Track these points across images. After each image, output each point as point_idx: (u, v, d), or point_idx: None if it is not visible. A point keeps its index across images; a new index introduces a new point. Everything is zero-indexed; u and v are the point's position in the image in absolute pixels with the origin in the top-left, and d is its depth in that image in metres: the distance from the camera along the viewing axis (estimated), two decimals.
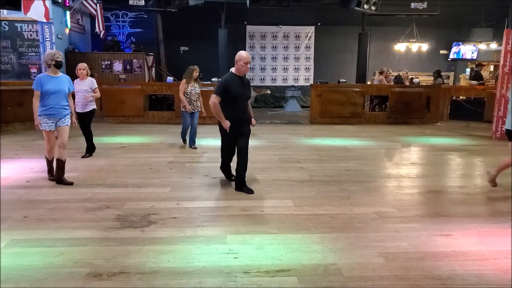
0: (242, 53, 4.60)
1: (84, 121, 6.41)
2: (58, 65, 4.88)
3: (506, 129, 4.98)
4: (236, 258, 3.01)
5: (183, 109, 7.25)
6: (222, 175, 5.41)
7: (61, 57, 4.92)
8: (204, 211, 4.06)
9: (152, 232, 3.48)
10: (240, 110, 4.66)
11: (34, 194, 4.51)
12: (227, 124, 4.54)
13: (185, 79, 7.23)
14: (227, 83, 4.55)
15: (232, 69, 4.73)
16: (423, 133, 9.83)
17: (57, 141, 4.95)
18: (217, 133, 8.20)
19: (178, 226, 3.63)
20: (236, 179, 4.81)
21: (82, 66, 6.38)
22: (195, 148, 7.41)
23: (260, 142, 6.76)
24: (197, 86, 7.34)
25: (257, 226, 3.65)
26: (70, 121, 5.05)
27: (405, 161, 6.74)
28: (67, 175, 5.05)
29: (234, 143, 4.75)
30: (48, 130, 4.85)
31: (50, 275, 2.73)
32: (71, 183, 4.91)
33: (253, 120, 4.91)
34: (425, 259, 3.03)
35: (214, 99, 4.48)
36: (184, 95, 7.17)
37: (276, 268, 2.87)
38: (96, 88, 6.47)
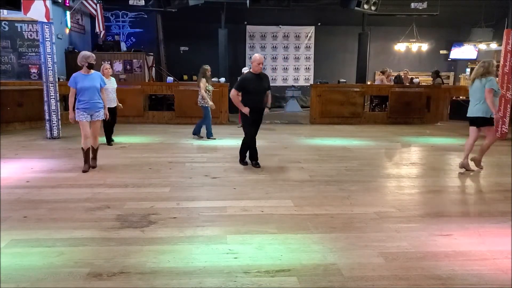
0: (255, 55, 5.75)
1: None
2: (90, 66, 5.46)
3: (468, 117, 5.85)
4: (236, 258, 3.01)
5: (207, 105, 8.15)
6: (221, 175, 5.43)
7: (93, 60, 5.52)
8: (204, 211, 4.06)
9: (152, 232, 3.48)
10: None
11: (34, 194, 4.51)
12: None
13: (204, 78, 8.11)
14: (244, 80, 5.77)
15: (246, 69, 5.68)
16: (423, 133, 9.83)
17: (91, 132, 5.57)
18: (217, 133, 8.17)
19: (178, 226, 3.62)
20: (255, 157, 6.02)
21: (108, 66, 7.44)
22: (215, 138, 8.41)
23: (260, 142, 6.76)
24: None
25: (257, 226, 3.65)
26: (103, 114, 5.65)
27: (405, 161, 6.75)
28: (68, 175, 5.31)
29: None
30: (84, 121, 5.43)
31: (50, 275, 2.73)
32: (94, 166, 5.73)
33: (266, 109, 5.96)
34: (425, 259, 3.03)
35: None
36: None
37: (276, 268, 2.87)
38: (116, 87, 7.58)
